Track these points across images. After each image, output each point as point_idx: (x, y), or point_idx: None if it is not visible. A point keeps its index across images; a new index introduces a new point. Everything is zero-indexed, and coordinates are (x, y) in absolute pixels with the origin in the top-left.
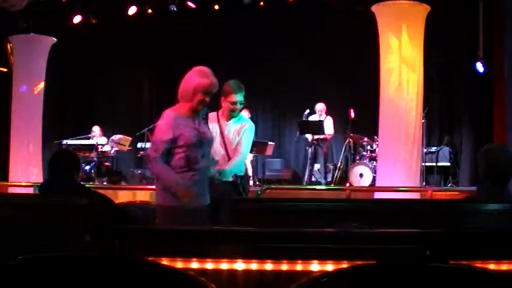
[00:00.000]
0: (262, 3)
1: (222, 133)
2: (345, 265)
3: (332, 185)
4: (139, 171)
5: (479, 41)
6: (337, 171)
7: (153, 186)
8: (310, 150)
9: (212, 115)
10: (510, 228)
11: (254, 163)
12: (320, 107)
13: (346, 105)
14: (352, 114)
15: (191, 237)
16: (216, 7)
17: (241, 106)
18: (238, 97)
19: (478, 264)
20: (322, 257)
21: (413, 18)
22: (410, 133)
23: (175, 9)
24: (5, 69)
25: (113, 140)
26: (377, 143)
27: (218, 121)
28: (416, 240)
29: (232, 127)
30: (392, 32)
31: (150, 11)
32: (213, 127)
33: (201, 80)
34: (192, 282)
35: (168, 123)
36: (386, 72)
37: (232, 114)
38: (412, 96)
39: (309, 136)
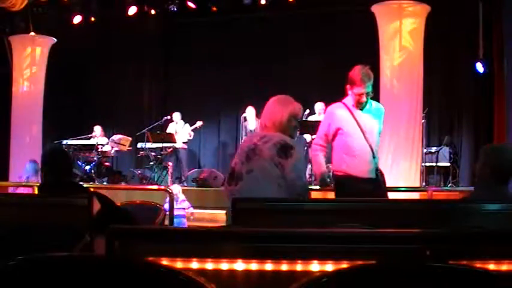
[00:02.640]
0: (262, 2)
1: (359, 124)
2: (345, 265)
3: (332, 185)
4: (139, 172)
5: (479, 41)
6: None
7: (153, 187)
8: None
9: (337, 105)
10: (510, 228)
11: None
12: (320, 106)
13: None
14: None
15: (191, 237)
16: (216, 7)
17: (368, 98)
18: (366, 88)
19: (478, 264)
20: (322, 257)
21: (413, 18)
22: (410, 133)
23: (175, 9)
24: None
25: (113, 140)
26: None
27: (350, 111)
28: (416, 240)
29: (368, 116)
30: (392, 32)
31: (150, 11)
32: (345, 117)
33: (291, 107)
34: (192, 282)
35: None
36: (386, 72)
37: (360, 106)
38: (412, 95)
39: (307, 136)
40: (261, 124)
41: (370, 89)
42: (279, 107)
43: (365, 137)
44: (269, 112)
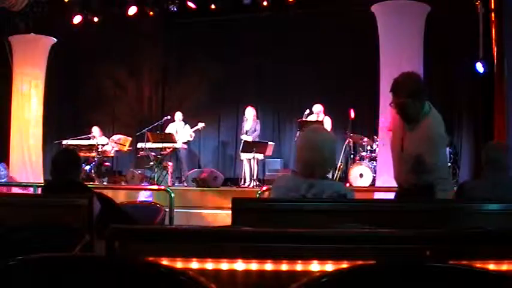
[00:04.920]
0: (262, 3)
1: (400, 132)
2: (345, 265)
3: None
4: (139, 172)
5: (479, 41)
6: (337, 171)
7: (153, 186)
8: None
9: None
10: (510, 228)
11: (254, 163)
12: (318, 108)
13: (346, 105)
14: (352, 114)
15: (191, 237)
16: (216, 7)
17: (408, 110)
18: (400, 97)
19: (478, 264)
20: (322, 257)
21: (413, 18)
22: None
23: (175, 9)
24: None
25: (113, 140)
26: (377, 143)
27: None
28: (416, 240)
29: (416, 130)
30: (392, 32)
31: (150, 11)
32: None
33: None
34: (192, 282)
35: None
36: (386, 72)
37: (401, 117)
38: None
39: None
40: None
41: (402, 99)
42: None
43: (402, 150)
44: None
